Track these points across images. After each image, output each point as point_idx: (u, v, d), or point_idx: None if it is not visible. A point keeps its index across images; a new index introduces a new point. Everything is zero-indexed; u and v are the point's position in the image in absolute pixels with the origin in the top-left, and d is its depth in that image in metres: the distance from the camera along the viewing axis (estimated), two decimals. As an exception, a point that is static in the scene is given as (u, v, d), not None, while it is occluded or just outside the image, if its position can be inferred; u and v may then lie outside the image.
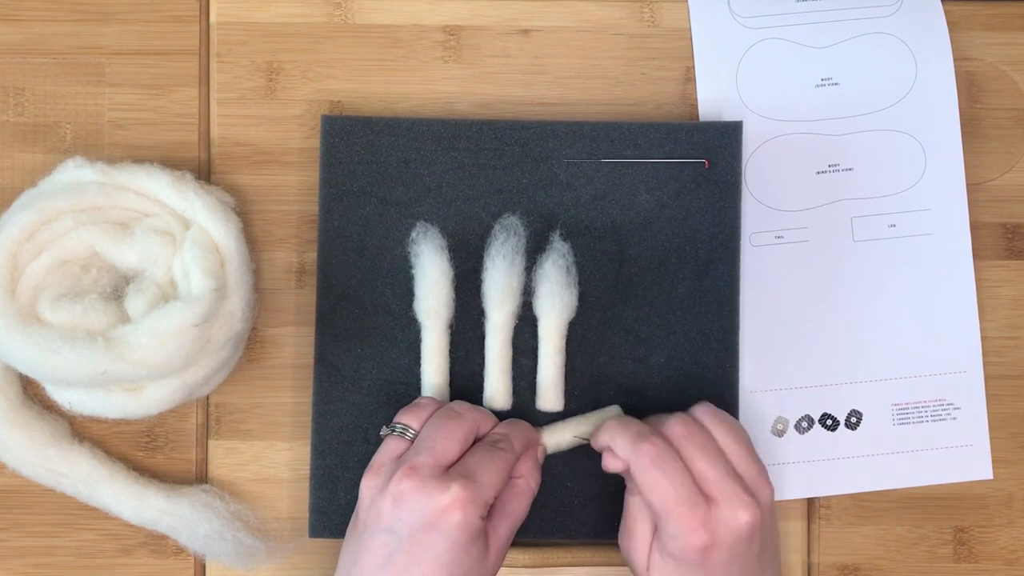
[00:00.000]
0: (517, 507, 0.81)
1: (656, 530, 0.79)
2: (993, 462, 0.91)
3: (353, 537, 0.80)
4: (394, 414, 0.86)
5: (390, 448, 0.80)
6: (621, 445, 0.79)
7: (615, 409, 0.87)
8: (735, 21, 0.91)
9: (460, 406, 0.82)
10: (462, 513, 0.76)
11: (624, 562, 0.83)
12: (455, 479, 0.76)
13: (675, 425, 0.79)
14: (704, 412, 0.81)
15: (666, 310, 0.88)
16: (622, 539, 0.82)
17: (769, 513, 0.79)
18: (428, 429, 0.80)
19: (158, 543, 0.90)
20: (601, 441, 0.81)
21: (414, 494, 0.76)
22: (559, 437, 0.86)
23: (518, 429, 0.83)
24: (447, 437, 0.79)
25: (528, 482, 0.82)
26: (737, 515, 0.77)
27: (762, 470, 0.80)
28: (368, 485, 0.79)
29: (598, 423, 0.84)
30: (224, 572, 0.90)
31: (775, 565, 0.81)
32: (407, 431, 0.80)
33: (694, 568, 0.77)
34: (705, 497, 0.77)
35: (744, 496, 0.77)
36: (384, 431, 0.82)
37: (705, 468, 0.78)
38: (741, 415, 0.89)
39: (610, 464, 0.80)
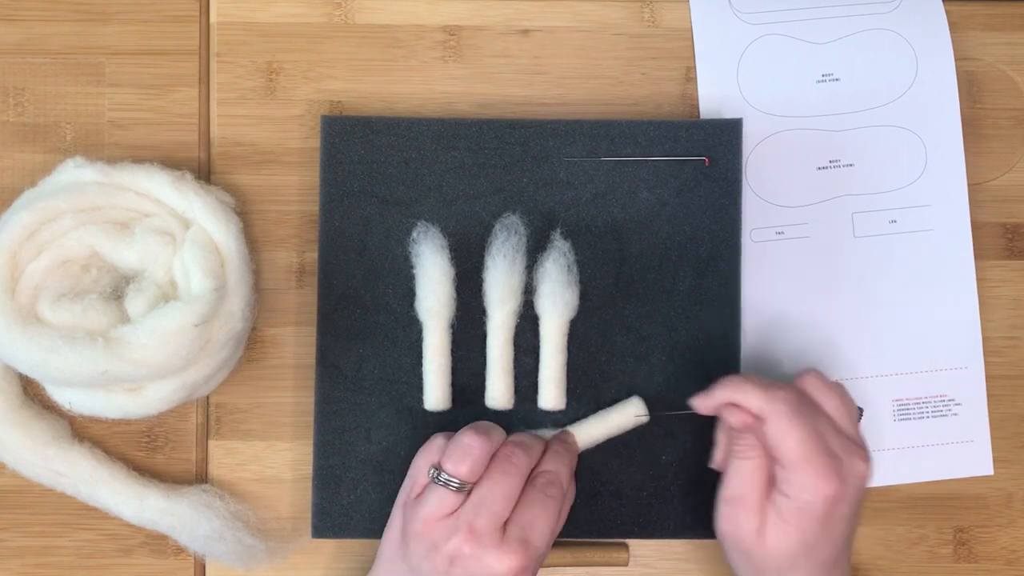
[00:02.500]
0: (558, 527, 0.81)
1: (769, 491, 0.80)
2: (993, 462, 0.91)
3: (402, 570, 0.80)
4: (396, 415, 0.86)
5: (441, 501, 0.78)
6: (754, 396, 0.79)
7: (636, 400, 0.87)
8: (736, 17, 0.91)
9: (515, 455, 0.79)
10: None
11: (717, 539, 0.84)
12: (516, 548, 0.76)
13: (789, 386, 0.81)
14: (814, 379, 0.82)
15: (667, 307, 0.88)
16: (727, 508, 0.81)
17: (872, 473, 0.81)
18: (489, 488, 0.78)
19: (158, 543, 0.90)
20: (720, 397, 0.81)
21: (474, 561, 0.76)
22: (589, 436, 0.86)
23: (565, 462, 0.82)
24: (507, 497, 0.78)
25: (568, 501, 0.83)
26: (858, 466, 0.79)
27: (861, 436, 0.82)
28: (420, 531, 0.78)
29: (620, 418, 0.86)
30: (224, 572, 0.90)
31: (855, 532, 0.83)
32: (453, 483, 0.78)
33: (817, 522, 0.78)
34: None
35: (859, 449, 0.80)
36: (431, 473, 0.79)
37: (822, 424, 0.79)
38: (743, 411, 0.89)
39: (735, 419, 0.80)
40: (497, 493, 0.77)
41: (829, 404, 0.81)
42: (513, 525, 0.77)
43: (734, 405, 0.80)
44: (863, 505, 0.82)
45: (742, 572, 0.82)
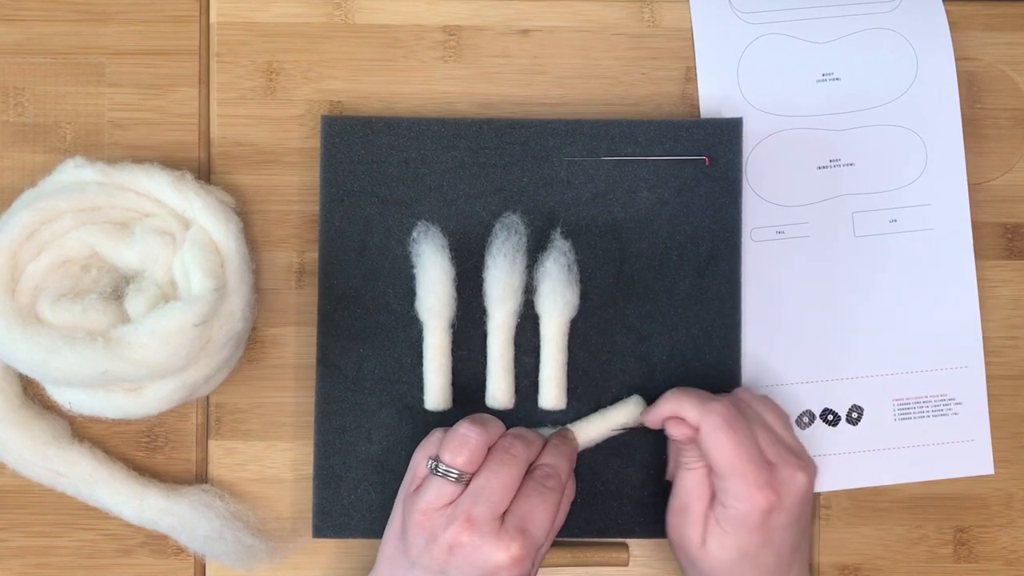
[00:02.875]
0: (558, 522, 0.82)
1: (712, 501, 0.81)
2: (993, 461, 0.91)
3: (402, 564, 0.79)
4: (396, 415, 0.87)
5: (439, 491, 0.78)
6: (690, 408, 0.80)
7: (636, 399, 0.87)
8: (736, 17, 0.91)
9: (514, 446, 0.80)
10: (519, 570, 0.77)
11: (670, 546, 0.85)
12: (514, 536, 0.77)
13: (726, 399, 0.82)
14: (746, 393, 0.84)
15: (668, 307, 0.88)
16: (674, 518, 0.83)
17: (813, 482, 0.82)
18: (487, 477, 0.78)
19: (158, 543, 0.90)
20: (663, 411, 0.82)
21: (473, 549, 0.76)
22: (588, 435, 0.86)
23: (564, 456, 0.82)
24: (505, 486, 0.78)
25: (569, 497, 0.83)
26: (796, 476, 0.80)
27: (801, 445, 0.83)
28: (419, 521, 0.78)
29: (620, 417, 0.86)
30: (224, 572, 0.90)
31: (807, 540, 0.83)
32: (451, 473, 0.78)
33: (755, 531, 0.79)
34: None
35: (798, 459, 0.80)
36: (429, 464, 0.79)
37: (760, 434, 0.80)
38: (743, 411, 0.89)
39: (676, 432, 0.81)
40: (495, 483, 0.77)
41: (767, 415, 0.83)
42: (511, 515, 0.77)
43: (676, 418, 0.81)
44: (809, 513, 0.83)
45: None
